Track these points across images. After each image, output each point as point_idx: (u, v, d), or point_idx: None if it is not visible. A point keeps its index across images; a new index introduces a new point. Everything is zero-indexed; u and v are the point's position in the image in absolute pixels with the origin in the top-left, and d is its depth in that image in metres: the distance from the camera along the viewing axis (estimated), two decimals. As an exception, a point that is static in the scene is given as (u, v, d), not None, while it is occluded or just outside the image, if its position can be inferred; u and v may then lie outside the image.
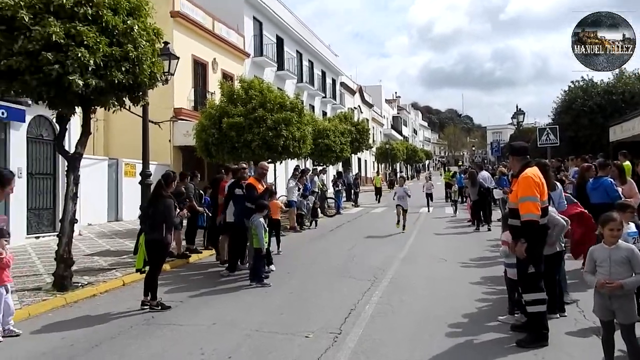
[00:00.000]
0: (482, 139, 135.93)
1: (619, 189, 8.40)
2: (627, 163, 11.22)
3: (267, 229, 9.19)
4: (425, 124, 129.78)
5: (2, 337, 5.91)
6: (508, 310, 6.22)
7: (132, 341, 5.82)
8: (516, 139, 29.25)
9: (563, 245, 6.36)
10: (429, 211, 21.93)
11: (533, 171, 5.51)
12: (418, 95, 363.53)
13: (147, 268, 7.35)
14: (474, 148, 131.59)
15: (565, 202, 7.14)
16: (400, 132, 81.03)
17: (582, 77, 30.53)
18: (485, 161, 65.92)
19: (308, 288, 8.31)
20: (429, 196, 23.08)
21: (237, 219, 9.53)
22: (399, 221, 15.48)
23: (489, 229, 15.20)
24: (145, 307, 7.12)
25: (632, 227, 5.63)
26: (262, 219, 8.83)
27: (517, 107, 26.31)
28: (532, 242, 5.31)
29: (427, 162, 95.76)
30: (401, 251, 11.74)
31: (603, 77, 32.48)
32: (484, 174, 16.90)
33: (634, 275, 4.26)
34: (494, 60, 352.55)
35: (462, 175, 22.09)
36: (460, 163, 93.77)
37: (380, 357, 5.15)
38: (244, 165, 10.60)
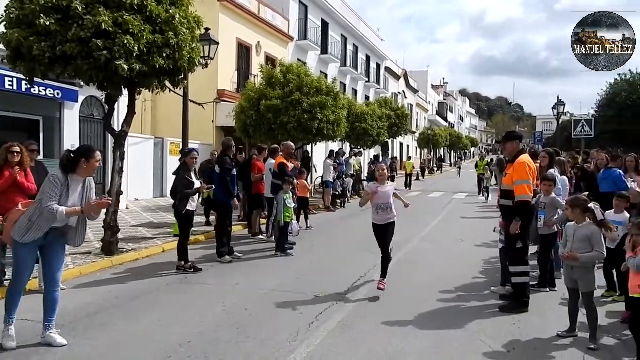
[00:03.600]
0: (531, 128, 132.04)
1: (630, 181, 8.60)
2: None
3: (292, 205, 9.83)
4: (473, 111, 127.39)
5: None
6: (500, 282, 6.77)
7: (166, 295, 6.70)
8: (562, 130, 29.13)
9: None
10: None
11: (527, 158, 6.01)
12: (469, 82, 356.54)
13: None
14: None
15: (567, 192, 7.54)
16: (445, 119, 79.98)
17: (630, 70, 29.64)
18: (532, 150, 64.27)
19: (327, 259, 9.02)
20: (383, 239, 6.98)
21: (219, 197, 9.13)
22: None
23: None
24: (180, 269, 7.99)
25: (620, 216, 6.13)
26: (284, 196, 9.52)
27: (558, 97, 26.01)
28: (524, 220, 5.82)
29: (472, 149, 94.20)
30: (423, 231, 12.28)
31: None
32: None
33: (593, 251, 4.82)
34: (550, 50, 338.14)
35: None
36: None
37: (376, 313, 5.86)
38: (232, 143, 9.53)
